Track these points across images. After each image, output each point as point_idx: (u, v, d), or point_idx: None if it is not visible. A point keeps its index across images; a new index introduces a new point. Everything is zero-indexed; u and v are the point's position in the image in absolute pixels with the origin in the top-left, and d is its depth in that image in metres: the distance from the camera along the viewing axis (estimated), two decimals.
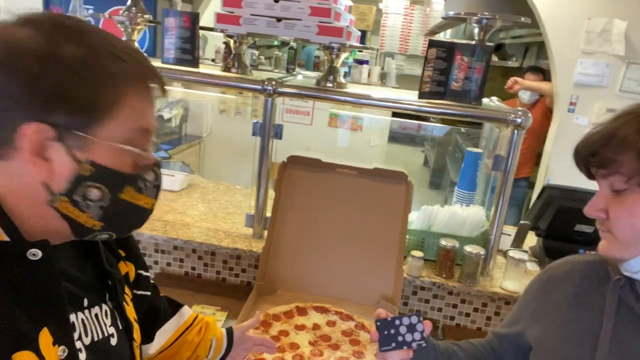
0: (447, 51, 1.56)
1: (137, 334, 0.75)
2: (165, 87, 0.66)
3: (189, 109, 3.40)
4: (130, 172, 0.60)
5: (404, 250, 1.52)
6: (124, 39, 1.78)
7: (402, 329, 0.80)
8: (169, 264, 1.71)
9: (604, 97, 3.03)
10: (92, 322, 0.65)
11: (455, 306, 1.59)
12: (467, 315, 1.59)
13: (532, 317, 0.85)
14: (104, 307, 0.69)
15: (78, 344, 0.61)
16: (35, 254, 0.56)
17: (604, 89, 3.02)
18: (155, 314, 0.91)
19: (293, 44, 3.71)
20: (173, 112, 3.07)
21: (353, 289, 1.52)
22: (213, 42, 3.92)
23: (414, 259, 1.56)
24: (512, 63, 5.03)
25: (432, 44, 1.56)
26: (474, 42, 1.55)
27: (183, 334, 0.94)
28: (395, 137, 4.03)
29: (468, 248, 1.53)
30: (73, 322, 0.61)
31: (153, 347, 0.90)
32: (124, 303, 0.74)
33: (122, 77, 0.58)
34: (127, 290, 0.79)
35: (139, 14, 1.73)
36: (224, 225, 1.80)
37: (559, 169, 3.15)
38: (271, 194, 1.68)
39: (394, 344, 0.80)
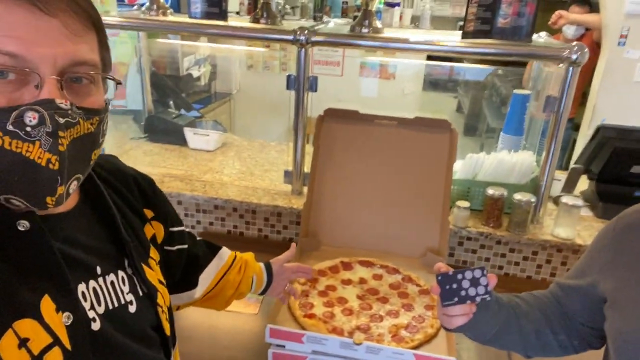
0: None
1: (163, 299, 0.73)
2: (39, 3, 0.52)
3: (217, 66, 3.33)
4: None
5: (450, 201, 1.47)
6: None
7: (465, 283, 0.76)
8: (211, 224, 1.72)
9: None
10: (107, 290, 0.63)
11: (503, 255, 1.55)
12: (517, 264, 1.55)
13: (605, 268, 0.80)
14: (121, 274, 0.67)
15: (91, 313, 0.60)
16: (24, 225, 0.55)
17: None
18: (195, 261, 0.93)
19: None
20: (201, 69, 3.02)
21: (398, 242, 1.49)
22: None
23: (459, 209, 1.51)
24: None
25: None
26: None
27: (224, 275, 0.98)
28: (429, 84, 3.87)
29: (517, 196, 1.47)
30: (83, 292, 0.60)
31: (198, 292, 0.93)
32: (148, 267, 0.72)
33: None
34: (153, 253, 0.76)
35: None
36: (262, 183, 1.78)
37: (608, 107, 2.97)
38: (308, 149, 1.64)
39: (456, 299, 0.77)
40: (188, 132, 2.09)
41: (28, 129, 0.51)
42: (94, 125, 0.58)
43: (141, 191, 0.78)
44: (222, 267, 0.98)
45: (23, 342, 0.52)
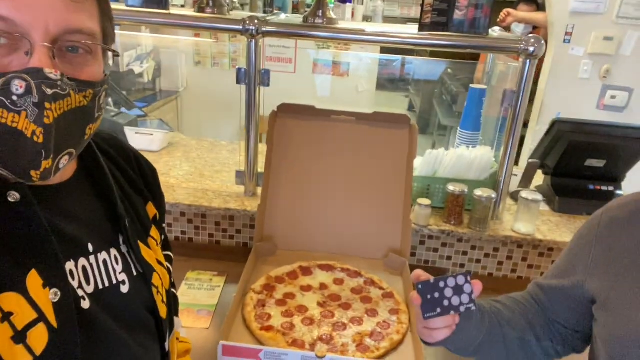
0: None
1: (159, 279, 0.70)
2: None
3: (162, 62, 3.14)
4: None
5: (411, 199, 1.41)
6: None
7: (448, 292, 0.68)
8: None
9: (600, 25, 2.88)
10: (97, 269, 0.61)
11: (465, 253, 1.51)
12: (478, 261, 1.52)
13: (592, 266, 0.75)
14: (114, 252, 0.64)
15: (79, 292, 0.57)
16: (14, 196, 0.53)
17: (601, 16, 2.86)
18: None
19: None
20: (144, 65, 2.83)
21: (358, 244, 1.42)
22: None
23: (421, 207, 1.46)
24: None
25: None
26: None
27: None
28: (382, 82, 3.84)
29: (478, 192, 1.43)
30: (71, 270, 0.57)
31: None
32: (145, 246, 0.69)
33: None
34: (154, 232, 0.73)
35: None
36: (213, 184, 1.66)
37: (555, 104, 3.04)
38: (262, 148, 1.54)
39: (439, 310, 0.69)
40: (129, 132, 1.93)
41: (14, 97, 0.49)
42: (87, 99, 0.55)
43: (142, 172, 0.76)
44: None
45: (6, 316, 0.50)
